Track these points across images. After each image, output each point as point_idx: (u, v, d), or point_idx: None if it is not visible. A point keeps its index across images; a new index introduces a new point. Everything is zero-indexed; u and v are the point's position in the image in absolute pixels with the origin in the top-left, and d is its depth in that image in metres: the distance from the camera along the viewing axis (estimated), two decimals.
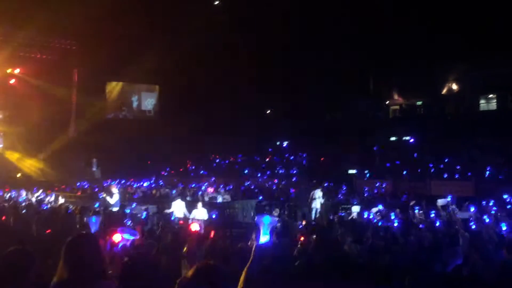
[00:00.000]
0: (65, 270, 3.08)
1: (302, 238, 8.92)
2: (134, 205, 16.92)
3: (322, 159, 28.80)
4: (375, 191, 20.80)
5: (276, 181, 25.21)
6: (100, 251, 3.31)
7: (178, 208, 15.84)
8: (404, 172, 23.85)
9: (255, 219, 4.00)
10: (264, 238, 3.56)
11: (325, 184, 21.32)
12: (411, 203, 14.37)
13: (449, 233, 9.21)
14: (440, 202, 13.97)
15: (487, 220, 11.18)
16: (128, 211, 14.96)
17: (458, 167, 23.11)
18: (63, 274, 3.08)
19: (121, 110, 35.96)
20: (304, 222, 12.96)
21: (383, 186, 21.65)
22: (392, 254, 8.22)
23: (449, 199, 14.04)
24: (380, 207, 14.40)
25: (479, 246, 8.15)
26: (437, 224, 11.25)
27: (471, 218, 11.60)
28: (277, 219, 12.15)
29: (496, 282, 6.78)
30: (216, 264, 2.99)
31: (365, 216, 13.51)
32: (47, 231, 10.15)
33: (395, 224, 10.96)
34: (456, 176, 22.17)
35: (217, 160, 32.98)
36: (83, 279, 3.04)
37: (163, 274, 6.43)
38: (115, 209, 15.36)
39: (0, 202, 17.00)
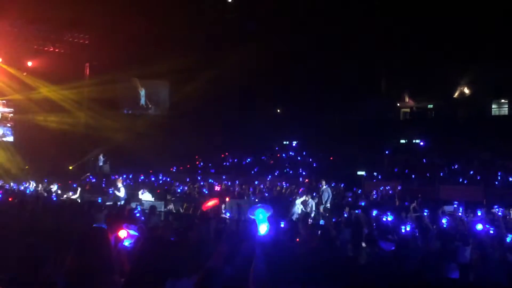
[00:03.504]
0: (75, 263, 3.08)
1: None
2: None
3: (331, 158, 28.71)
4: (377, 194, 20.53)
5: (285, 183, 25.05)
6: (110, 246, 3.31)
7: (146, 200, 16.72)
8: (413, 176, 23.68)
9: (248, 213, 3.82)
10: (262, 228, 3.36)
11: (333, 184, 21.17)
12: (412, 205, 14.16)
13: (456, 238, 9.11)
14: (447, 208, 13.85)
15: (495, 227, 11.03)
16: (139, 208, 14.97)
17: (471, 172, 22.94)
18: (73, 267, 3.08)
19: (131, 106, 35.99)
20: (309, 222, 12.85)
21: (387, 188, 21.40)
22: (400, 259, 8.12)
23: (455, 205, 13.87)
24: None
25: (486, 252, 8.05)
26: (444, 228, 11.10)
27: (479, 223, 11.45)
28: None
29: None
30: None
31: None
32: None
33: (408, 228, 10.70)
34: (465, 182, 21.99)
35: (230, 160, 32.95)
36: (93, 272, 3.04)
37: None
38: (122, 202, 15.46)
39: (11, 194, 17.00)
